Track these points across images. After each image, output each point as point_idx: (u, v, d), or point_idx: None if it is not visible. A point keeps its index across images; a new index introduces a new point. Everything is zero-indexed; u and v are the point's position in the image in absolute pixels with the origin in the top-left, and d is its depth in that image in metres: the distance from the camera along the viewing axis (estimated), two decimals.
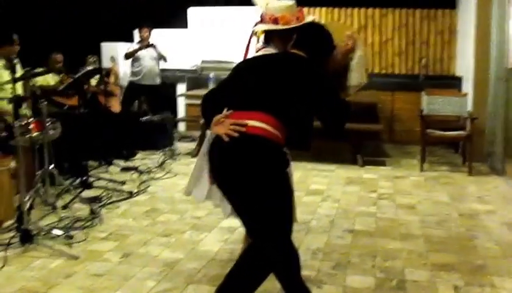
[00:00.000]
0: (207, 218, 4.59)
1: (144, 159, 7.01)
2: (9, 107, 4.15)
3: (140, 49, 7.91)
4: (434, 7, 8.46)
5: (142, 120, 7.84)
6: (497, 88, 6.46)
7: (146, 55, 7.96)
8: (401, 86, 8.22)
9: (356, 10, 8.75)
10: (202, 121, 6.09)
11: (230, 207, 2.84)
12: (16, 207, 4.28)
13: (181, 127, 9.33)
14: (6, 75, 4.81)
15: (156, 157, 7.10)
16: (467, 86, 7.21)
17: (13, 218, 4.27)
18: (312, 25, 2.88)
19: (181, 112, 9.23)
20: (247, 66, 2.77)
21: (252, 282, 2.58)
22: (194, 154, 7.14)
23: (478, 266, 3.59)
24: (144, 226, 4.45)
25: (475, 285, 3.30)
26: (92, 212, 4.64)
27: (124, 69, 8.40)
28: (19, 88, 5.04)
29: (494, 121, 6.52)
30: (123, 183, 5.71)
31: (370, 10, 8.70)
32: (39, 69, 5.55)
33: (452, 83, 7.92)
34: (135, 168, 6.34)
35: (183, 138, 8.62)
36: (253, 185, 2.41)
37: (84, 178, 5.48)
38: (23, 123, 4.33)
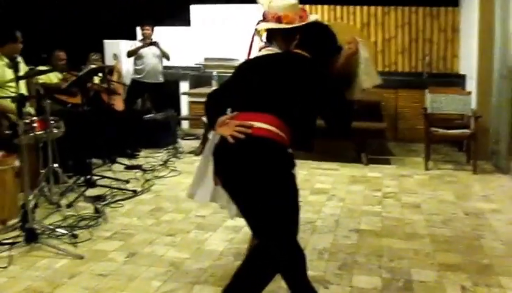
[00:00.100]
0: (212, 217, 4.58)
1: (148, 157, 6.99)
2: (13, 106, 4.14)
3: (143, 46, 7.89)
4: (437, 5, 8.42)
5: (146, 118, 7.83)
6: (501, 86, 6.43)
7: (149, 53, 7.93)
8: (404, 84, 8.19)
9: (358, 7, 8.70)
10: (205, 120, 6.07)
11: (236, 208, 2.83)
12: (21, 205, 4.28)
13: (185, 125, 9.31)
14: (9, 74, 4.79)
15: (160, 155, 7.10)
16: (471, 85, 7.18)
17: (17, 216, 4.27)
18: (316, 25, 2.85)
19: (184, 109, 9.22)
20: (250, 66, 2.74)
21: (259, 283, 2.58)
22: (197, 152, 7.13)
23: (484, 266, 3.58)
24: (149, 225, 4.44)
25: (483, 285, 3.28)
26: (96, 210, 4.63)
27: (127, 67, 8.39)
28: (23, 86, 5.03)
29: (498, 119, 6.50)
30: (127, 182, 5.70)
31: (372, 8, 8.66)
32: (43, 68, 5.54)
33: (456, 81, 7.89)
34: (139, 167, 6.33)
35: (187, 136, 8.61)
36: (259, 186, 2.39)
37: (88, 176, 5.47)
38: (27, 121, 4.32)
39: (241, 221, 3.41)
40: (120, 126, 6.89)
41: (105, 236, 4.16)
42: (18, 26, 5.25)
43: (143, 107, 8.53)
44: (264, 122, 2.41)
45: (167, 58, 8.09)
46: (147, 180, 5.83)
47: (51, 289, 3.25)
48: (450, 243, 4.01)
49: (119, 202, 5.04)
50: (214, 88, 6.48)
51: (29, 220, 3.86)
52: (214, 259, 3.69)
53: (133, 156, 6.99)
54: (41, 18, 7.81)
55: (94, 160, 6.21)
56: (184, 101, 9.16)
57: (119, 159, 6.59)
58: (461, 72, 8.14)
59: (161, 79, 8.18)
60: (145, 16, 8.08)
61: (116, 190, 5.33)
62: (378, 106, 7.56)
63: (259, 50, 3.08)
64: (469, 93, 6.85)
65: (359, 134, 6.63)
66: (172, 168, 6.42)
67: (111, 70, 7.40)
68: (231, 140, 2.40)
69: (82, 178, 5.46)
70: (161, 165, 6.53)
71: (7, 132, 4.53)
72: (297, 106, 2.49)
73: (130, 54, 7.91)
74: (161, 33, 8.39)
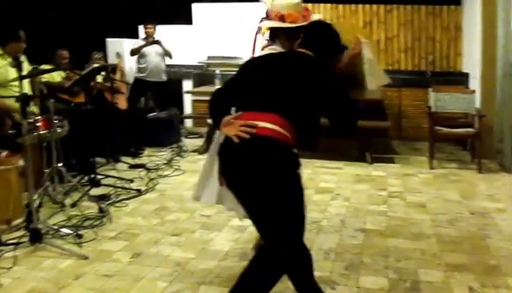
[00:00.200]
0: (217, 216, 4.56)
1: (151, 156, 6.97)
2: (17, 105, 4.12)
3: (145, 45, 7.88)
4: (439, 3, 8.39)
5: (149, 117, 7.82)
6: (504, 84, 6.40)
7: (152, 51, 7.93)
8: (407, 82, 8.16)
9: (361, 6, 8.66)
10: (209, 121, 6.04)
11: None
12: (25, 205, 4.26)
13: (188, 123, 9.28)
14: (13, 73, 4.77)
15: (164, 153, 7.08)
16: (475, 83, 7.16)
17: (22, 216, 4.26)
18: (320, 24, 2.83)
19: (187, 108, 9.19)
20: (254, 65, 2.73)
21: (265, 284, 2.57)
22: (201, 150, 7.12)
23: (491, 266, 3.56)
24: (154, 225, 4.42)
25: (490, 286, 3.26)
26: (101, 210, 4.62)
27: (130, 65, 8.37)
28: (26, 85, 5.01)
29: (502, 117, 6.47)
30: (131, 181, 5.69)
31: (375, 6, 8.62)
32: (46, 67, 5.52)
33: (459, 79, 7.86)
34: (143, 166, 6.31)
35: (190, 134, 8.60)
36: (264, 186, 2.38)
37: (92, 176, 5.45)
38: (31, 121, 4.31)
39: (247, 221, 3.40)
40: (124, 125, 6.87)
41: (109, 236, 4.14)
42: (21, 25, 5.24)
43: (146, 106, 8.52)
44: (269, 121, 2.40)
45: (170, 57, 8.08)
46: (151, 179, 5.81)
47: (56, 290, 3.24)
48: (456, 243, 3.99)
49: (124, 201, 5.02)
50: (217, 86, 6.49)
51: (34, 220, 3.85)
52: (219, 259, 3.68)
53: (136, 155, 6.99)
54: (43, 17, 7.79)
55: (98, 159, 6.19)
56: (187, 100, 9.13)
57: (123, 158, 6.58)
58: (464, 70, 8.10)
59: (164, 78, 8.17)
60: (147, 15, 8.08)
61: (120, 189, 5.32)
62: (381, 105, 7.53)
63: (262, 49, 3.07)
64: (473, 91, 6.82)
65: (363, 133, 6.61)
66: (176, 167, 6.40)
67: (114, 69, 7.39)
68: (236, 139, 2.39)
69: (86, 177, 5.45)
70: (165, 164, 6.52)
71: (11, 131, 4.51)
72: (301, 105, 2.47)
73: (133, 52, 7.92)
74: (164, 32, 8.37)
